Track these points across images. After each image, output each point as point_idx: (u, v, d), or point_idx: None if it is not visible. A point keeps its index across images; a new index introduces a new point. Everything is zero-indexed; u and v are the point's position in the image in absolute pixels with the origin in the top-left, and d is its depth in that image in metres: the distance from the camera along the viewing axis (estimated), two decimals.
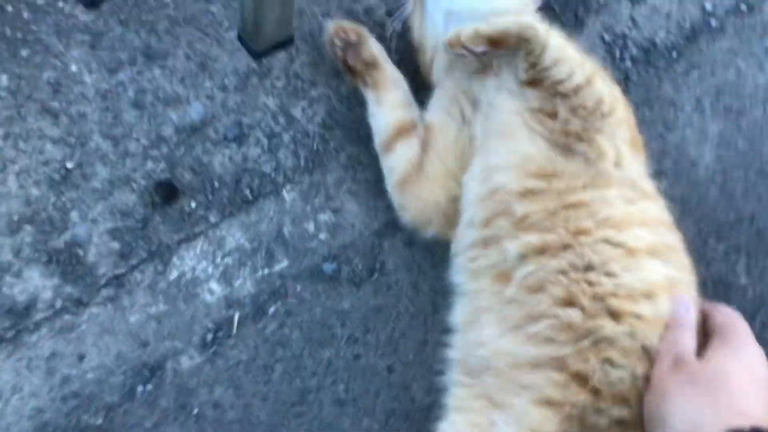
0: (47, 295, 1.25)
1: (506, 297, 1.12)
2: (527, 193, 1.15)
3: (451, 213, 1.27)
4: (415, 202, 1.31)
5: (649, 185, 1.21)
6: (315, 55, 1.54)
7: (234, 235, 1.35)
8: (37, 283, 1.26)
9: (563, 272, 1.08)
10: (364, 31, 1.41)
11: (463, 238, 1.22)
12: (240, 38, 1.29)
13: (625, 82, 1.63)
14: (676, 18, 1.75)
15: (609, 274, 1.07)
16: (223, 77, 1.47)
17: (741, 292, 1.46)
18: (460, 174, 1.27)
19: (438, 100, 1.35)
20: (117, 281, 1.28)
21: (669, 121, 1.61)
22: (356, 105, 1.50)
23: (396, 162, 1.34)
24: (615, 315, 1.05)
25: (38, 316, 1.24)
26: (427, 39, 1.39)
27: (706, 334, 1.06)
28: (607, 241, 1.09)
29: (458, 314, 1.20)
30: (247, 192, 1.39)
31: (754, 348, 0.99)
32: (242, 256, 1.34)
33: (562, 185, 1.15)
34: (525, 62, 1.19)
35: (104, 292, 1.27)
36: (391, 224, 1.41)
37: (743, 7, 1.80)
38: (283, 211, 1.39)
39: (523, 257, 1.12)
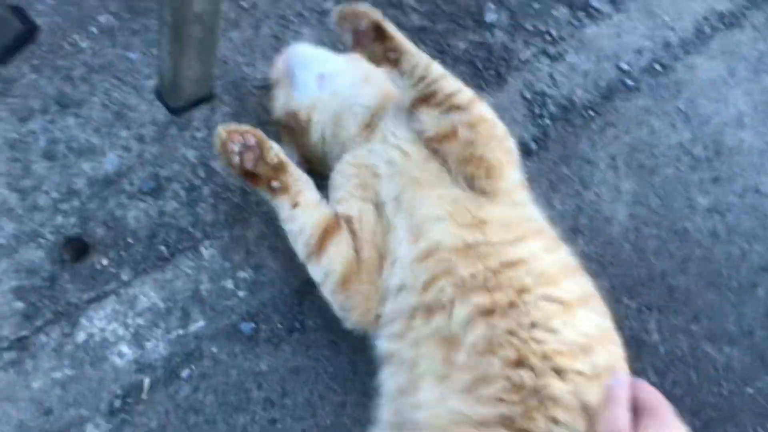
0: None
1: (457, 363, 1.10)
2: (467, 249, 1.15)
3: None
4: (362, 300, 1.25)
5: (551, 229, 1.25)
6: (237, 106, 1.51)
7: (147, 294, 1.31)
8: None
9: (512, 332, 1.09)
10: (261, 132, 1.29)
11: (396, 304, 1.19)
12: (158, 94, 1.26)
13: (544, 139, 1.67)
14: (593, 77, 1.80)
15: (551, 331, 1.09)
16: (141, 127, 1.43)
17: (653, 349, 1.49)
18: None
19: (342, 188, 1.31)
20: (20, 344, 1.22)
21: (585, 178, 1.65)
22: None
23: (331, 263, 1.26)
24: (560, 373, 1.07)
25: None
26: (301, 104, 1.38)
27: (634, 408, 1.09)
28: (547, 298, 1.12)
29: (391, 382, 1.17)
30: (163, 248, 1.35)
31: (679, 426, 1.03)
32: (155, 317, 1.29)
33: (496, 236, 1.16)
34: (412, 78, 1.23)
35: (6, 356, 1.20)
36: (313, 282, 1.39)
37: (657, 66, 1.87)
38: (201, 268, 1.35)
39: (470, 320, 1.12)
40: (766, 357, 1.52)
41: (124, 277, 1.31)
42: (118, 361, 1.25)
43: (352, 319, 1.25)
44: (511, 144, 1.24)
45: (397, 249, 1.22)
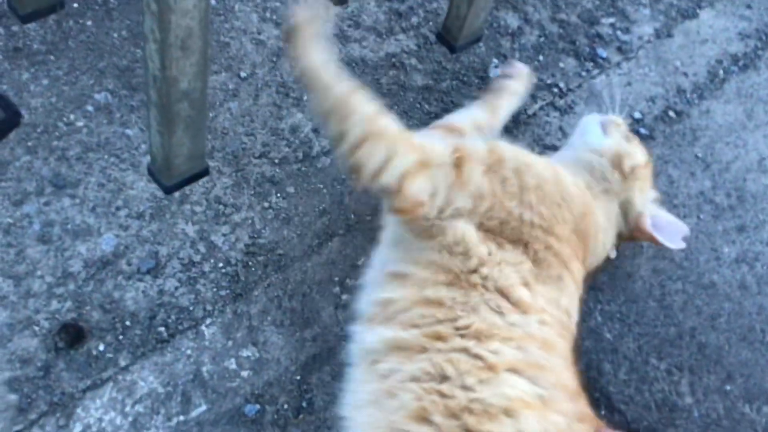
0: None
1: (374, 391, 1.05)
2: (396, 276, 1.13)
3: None
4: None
5: (531, 297, 1.11)
6: (238, 176, 1.47)
7: (146, 379, 1.25)
8: None
9: (416, 378, 1.02)
10: None
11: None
12: (150, 172, 1.22)
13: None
14: None
15: (465, 388, 1.00)
16: (139, 204, 1.40)
17: (686, 413, 1.40)
18: None
19: None
20: None
21: None
22: (282, 226, 1.43)
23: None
24: None
25: None
26: None
27: None
28: (465, 352, 1.03)
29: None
30: (162, 329, 1.30)
31: None
32: (155, 403, 1.23)
33: (425, 274, 1.11)
34: None
35: None
36: (319, 356, 1.33)
37: (671, 114, 1.81)
38: (202, 348, 1.30)
39: (382, 350, 1.07)
40: None
41: (122, 362, 1.25)
42: None
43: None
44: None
45: None
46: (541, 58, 1.82)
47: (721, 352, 1.47)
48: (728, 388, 1.44)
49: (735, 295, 1.55)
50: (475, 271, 1.09)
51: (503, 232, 1.13)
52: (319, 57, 1.15)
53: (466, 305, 1.07)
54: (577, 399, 1.09)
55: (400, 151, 1.11)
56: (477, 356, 1.02)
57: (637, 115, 1.78)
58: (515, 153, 1.22)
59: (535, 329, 1.08)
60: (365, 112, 1.12)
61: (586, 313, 1.47)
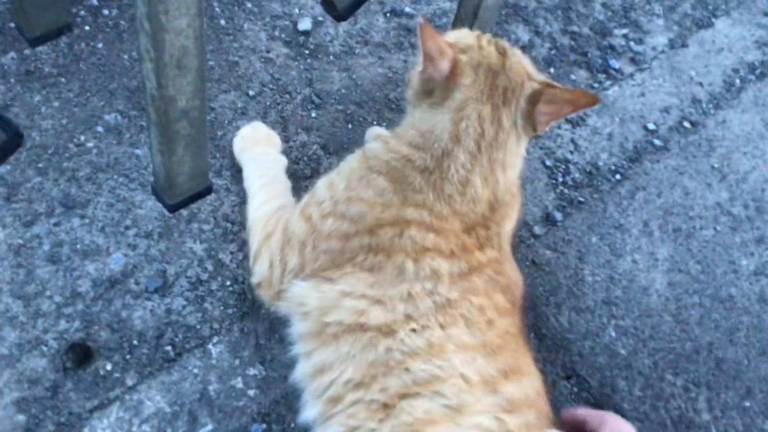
0: None
1: None
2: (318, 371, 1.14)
3: None
4: None
5: (387, 311, 1.05)
6: (246, 195, 1.48)
7: (153, 399, 1.25)
8: None
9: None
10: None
11: None
12: (154, 191, 1.23)
13: (569, 207, 1.58)
14: (618, 139, 1.72)
15: None
16: (147, 223, 1.41)
17: (703, 430, 1.36)
18: None
19: None
20: None
21: (616, 246, 1.55)
22: None
23: None
24: None
25: None
26: None
27: None
28: (361, 402, 1.03)
29: None
30: (169, 348, 1.30)
31: None
32: (161, 422, 1.23)
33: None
34: None
35: None
36: None
37: (687, 124, 1.78)
38: (209, 367, 1.29)
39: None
40: None
41: (129, 381, 1.26)
42: None
43: None
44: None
45: None
46: (552, 70, 1.80)
47: (739, 368, 1.44)
48: (747, 404, 1.40)
49: (754, 308, 1.51)
50: (327, 324, 1.08)
51: (335, 261, 1.12)
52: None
53: (347, 356, 1.05)
54: (500, 386, 1.01)
55: (253, 235, 1.27)
56: (370, 401, 1.01)
57: (651, 126, 1.75)
58: (331, 175, 1.22)
59: (413, 341, 1.02)
60: (255, 204, 1.33)
61: (599, 329, 1.45)
